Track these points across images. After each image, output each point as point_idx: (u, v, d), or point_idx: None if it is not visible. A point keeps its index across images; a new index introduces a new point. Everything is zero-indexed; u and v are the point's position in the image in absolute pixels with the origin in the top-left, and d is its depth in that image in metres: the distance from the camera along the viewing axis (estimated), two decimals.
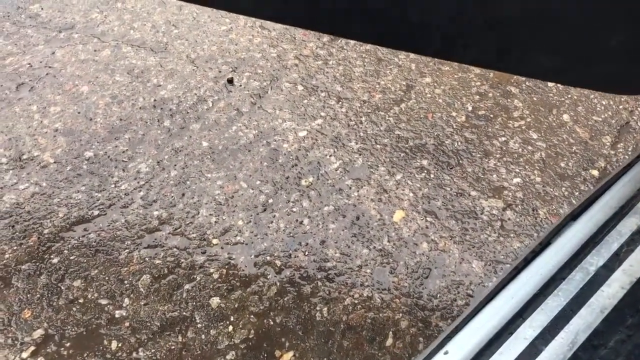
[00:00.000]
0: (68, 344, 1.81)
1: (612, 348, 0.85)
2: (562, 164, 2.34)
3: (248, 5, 0.95)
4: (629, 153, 2.40)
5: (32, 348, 1.80)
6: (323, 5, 0.87)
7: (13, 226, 2.09)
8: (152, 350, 1.79)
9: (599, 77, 0.84)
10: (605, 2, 0.73)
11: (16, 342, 1.81)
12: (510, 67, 0.92)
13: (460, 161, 2.34)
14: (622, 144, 2.42)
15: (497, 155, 2.35)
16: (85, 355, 1.78)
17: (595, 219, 1.03)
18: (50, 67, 2.66)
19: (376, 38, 0.97)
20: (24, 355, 1.78)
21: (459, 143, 2.40)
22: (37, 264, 1.99)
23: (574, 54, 0.80)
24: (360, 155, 2.35)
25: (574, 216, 1.04)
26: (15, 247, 2.03)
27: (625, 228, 1.01)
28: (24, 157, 2.30)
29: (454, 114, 2.52)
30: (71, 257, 2.01)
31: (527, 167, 2.32)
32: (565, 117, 2.53)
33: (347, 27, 0.93)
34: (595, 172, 2.31)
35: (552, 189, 2.25)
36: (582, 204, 1.06)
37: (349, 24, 0.91)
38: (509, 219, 2.14)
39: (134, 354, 1.79)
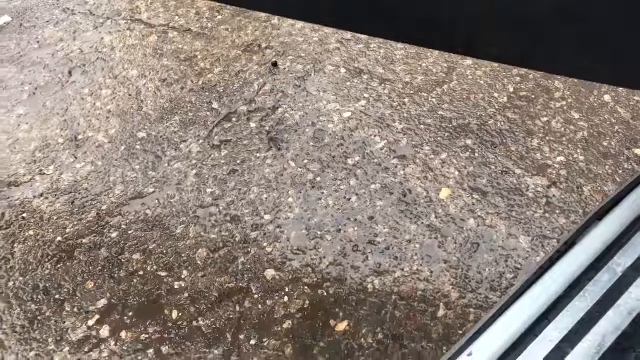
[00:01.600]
0: (130, 313, 1.89)
1: None
2: (605, 143, 2.36)
3: (270, 4, 0.96)
4: None
5: (97, 317, 1.88)
6: (350, 5, 0.89)
7: (72, 202, 2.17)
8: (212, 320, 1.86)
9: (626, 74, 0.83)
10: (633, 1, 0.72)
11: (82, 310, 1.89)
12: (534, 65, 0.93)
13: (504, 140, 2.37)
14: None
15: (540, 135, 2.39)
16: (147, 323, 1.86)
17: (622, 219, 1.01)
18: (100, 52, 2.74)
19: (402, 36, 0.97)
20: (90, 323, 1.87)
21: (502, 123, 2.44)
22: (98, 238, 2.07)
23: (601, 51, 0.80)
24: (404, 135, 2.40)
25: (599, 216, 1.02)
26: (75, 222, 2.11)
27: None
28: (80, 137, 2.39)
29: (495, 95, 2.56)
30: (129, 232, 2.09)
31: (570, 146, 2.35)
32: (607, 97, 2.55)
33: (373, 26, 0.93)
34: (638, 151, 2.34)
35: (595, 167, 2.28)
36: (607, 203, 1.04)
37: (376, 23, 0.90)
38: (554, 196, 2.18)
39: (194, 323, 1.86)
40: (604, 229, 0.99)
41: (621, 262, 0.93)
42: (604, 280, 0.91)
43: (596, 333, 0.84)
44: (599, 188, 2.21)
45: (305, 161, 2.30)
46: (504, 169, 2.27)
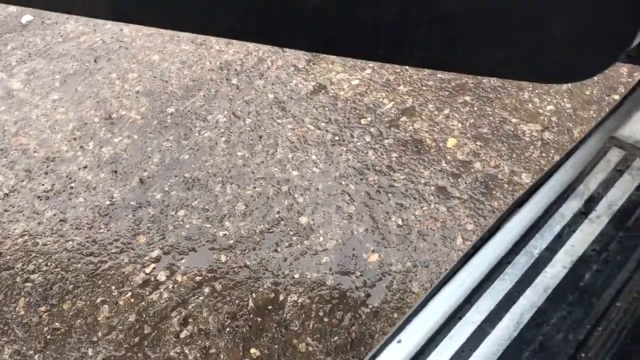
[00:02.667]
0: (183, 260, 2.09)
1: (554, 324, 0.90)
2: (587, 92, 2.65)
3: (192, 24, 0.95)
4: None
5: (153, 265, 2.08)
6: (272, 18, 0.88)
7: (115, 172, 2.37)
8: (258, 259, 2.08)
9: (538, 68, 0.85)
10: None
11: (138, 260, 2.09)
12: (456, 66, 0.93)
13: (499, 95, 2.64)
14: (636, 73, 2.73)
15: (530, 88, 2.66)
16: (200, 267, 2.07)
17: (540, 205, 1.08)
18: (121, 41, 2.96)
19: (323, 47, 0.98)
20: (147, 270, 2.07)
21: (495, 80, 2.71)
22: (143, 200, 2.28)
23: (515, 47, 0.82)
24: (409, 96, 2.65)
25: (520, 203, 1.08)
26: (121, 188, 2.32)
27: (568, 210, 1.07)
28: (114, 116, 2.59)
29: None
30: (172, 193, 2.30)
31: (557, 96, 2.63)
32: None
33: (292, 38, 0.93)
34: (616, 97, 2.62)
35: (581, 112, 2.55)
36: (527, 190, 1.11)
37: (294, 35, 0.91)
38: (547, 138, 2.45)
39: (241, 263, 2.07)
40: (524, 215, 1.06)
41: (537, 245, 1.01)
42: (521, 263, 0.99)
43: (514, 312, 0.92)
44: (586, 129, 2.48)
45: (323, 124, 2.54)
46: (502, 119, 2.53)
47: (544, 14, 0.78)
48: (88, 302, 1.98)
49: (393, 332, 0.92)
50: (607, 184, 1.12)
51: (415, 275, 2.02)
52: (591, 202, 1.09)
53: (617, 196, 1.10)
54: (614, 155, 1.18)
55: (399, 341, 0.91)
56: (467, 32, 0.83)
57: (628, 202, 1.08)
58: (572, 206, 1.08)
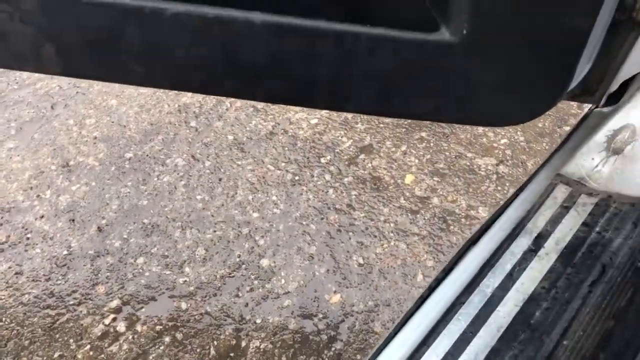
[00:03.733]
0: (143, 309, 2.06)
1: None
2: (540, 125, 2.73)
3: (143, 77, 0.96)
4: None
5: (112, 315, 2.05)
6: (214, 72, 0.91)
7: (73, 220, 2.34)
8: (219, 306, 2.06)
9: (473, 113, 0.87)
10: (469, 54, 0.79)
11: (97, 311, 2.06)
12: (391, 113, 0.95)
13: (454, 130, 2.70)
14: (586, 105, 2.82)
15: None
16: (160, 315, 2.04)
17: (492, 242, 1.08)
18: (78, 87, 2.94)
19: (264, 97, 1.01)
20: (106, 321, 2.03)
21: None
22: (102, 248, 2.24)
23: (446, 96, 0.84)
24: (367, 134, 2.69)
25: (473, 240, 1.09)
26: (78, 237, 2.28)
27: (518, 248, 1.07)
28: (71, 163, 2.56)
29: None
30: (130, 240, 2.27)
31: (510, 130, 2.70)
32: None
33: (242, 90, 0.95)
34: (567, 128, 2.70)
35: (534, 145, 2.62)
36: (480, 228, 1.12)
37: (243, 87, 0.93)
38: (502, 171, 2.50)
39: (202, 310, 2.05)
40: (477, 253, 1.06)
41: (490, 284, 1.01)
42: (475, 302, 0.98)
43: (469, 352, 0.91)
44: (539, 162, 2.55)
45: (283, 163, 2.56)
46: (457, 154, 2.58)
47: (473, 65, 0.80)
48: (45, 358, 1.94)
49: None
50: (554, 221, 1.14)
51: (377, 314, 2.02)
52: (540, 239, 1.10)
53: (564, 233, 1.11)
54: (561, 192, 1.20)
55: None
56: (397, 86, 0.85)
57: (575, 239, 1.10)
58: (521, 244, 1.09)
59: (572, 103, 2.83)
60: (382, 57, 0.82)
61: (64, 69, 0.99)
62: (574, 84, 0.80)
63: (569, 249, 1.09)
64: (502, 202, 2.36)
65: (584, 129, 1.37)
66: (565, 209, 1.17)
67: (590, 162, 1.25)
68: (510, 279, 1.03)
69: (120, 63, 0.95)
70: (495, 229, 1.12)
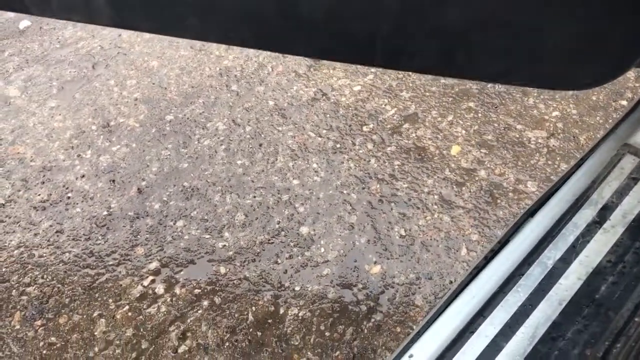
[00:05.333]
0: (181, 272, 2.05)
1: (569, 339, 0.87)
2: (594, 98, 2.60)
3: (195, 30, 0.94)
4: None
5: (151, 277, 2.04)
6: (269, 25, 0.88)
7: (113, 181, 2.33)
8: (258, 271, 2.03)
9: (543, 76, 0.84)
10: (549, 6, 0.75)
11: (135, 272, 2.05)
12: (457, 72, 0.93)
13: (503, 101, 2.59)
14: None
15: (535, 94, 2.61)
16: (199, 279, 2.02)
17: (552, 214, 1.05)
18: (119, 47, 2.92)
19: (320, 53, 0.97)
20: (145, 282, 2.03)
21: (500, 86, 2.66)
22: (141, 210, 2.23)
23: (517, 56, 0.81)
24: (412, 102, 2.61)
25: (531, 212, 1.06)
26: (118, 198, 2.28)
27: (581, 220, 1.04)
28: (112, 123, 2.55)
29: None
30: (170, 203, 2.25)
31: (562, 102, 2.58)
32: None
33: (295, 45, 0.92)
34: (623, 102, 2.57)
35: (588, 118, 2.50)
36: (539, 199, 1.09)
37: (297, 42, 0.90)
38: (553, 145, 2.40)
39: (240, 275, 2.03)
40: (536, 225, 1.04)
41: (551, 255, 0.99)
42: (535, 274, 0.96)
43: (529, 325, 0.89)
44: (592, 136, 2.43)
45: (324, 131, 2.50)
46: (506, 125, 2.48)
47: (548, 23, 0.76)
48: (85, 316, 1.94)
49: (404, 346, 0.90)
50: (621, 193, 1.09)
51: (419, 287, 1.97)
52: (605, 211, 1.06)
53: (632, 205, 1.07)
54: (628, 163, 1.15)
55: (411, 356, 0.89)
56: (465, 43, 0.81)
57: None
58: (585, 215, 1.05)
59: (628, 75, 2.69)
60: (451, 11, 0.77)
61: (114, 19, 0.95)
62: None
63: (637, 222, 1.04)
64: (552, 177, 2.27)
65: None
66: (633, 180, 1.12)
67: None
68: (573, 251, 0.99)
69: (173, 14, 0.92)
70: (556, 199, 1.09)
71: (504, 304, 0.93)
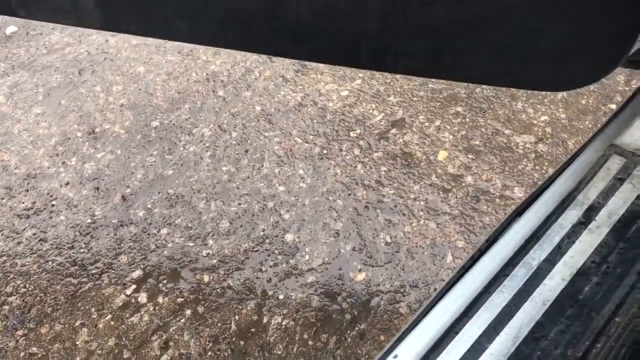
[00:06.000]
0: (164, 281, 2.03)
1: (552, 339, 0.87)
2: (583, 102, 2.58)
3: (183, 32, 0.94)
4: None
5: (134, 286, 2.03)
6: (255, 27, 0.88)
7: (98, 188, 2.32)
8: (242, 280, 2.02)
9: (529, 77, 0.84)
10: (533, 7, 0.75)
11: (118, 281, 2.04)
12: (443, 74, 0.92)
13: (491, 105, 2.58)
14: (634, 81, 2.66)
15: (523, 98, 2.60)
16: (182, 288, 2.01)
17: (539, 214, 1.05)
18: (106, 52, 2.90)
19: (307, 54, 0.97)
20: (128, 291, 2.01)
21: (488, 90, 2.64)
22: (126, 218, 2.22)
23: (503, 57, 0.81)
24: (400, 107, 2.59)
25: (519, 212, 1.06)
26: (102, 206, 2.26)
27: (567, 221, 1.04)
28: (97, 130, 2.53)
29: None
30: (154, 210, 2.24)
31: (551, 106, 2.56)
32: None
33: (281, 46, 0.92)
34: (613, 106, 2.55)
35: (576, 123, 2.49)
36: (527, 199, 1.09)
37: (283, 43, 0.90)
38: (541, 150, 2.38)
39: (224, 284, 2.02)
40: (522, 225, 1.04)
41: (536, 256, 0.99)
42: (520, 275, 0.96)
43: (513, 326, 0.89)
44: (581, 140, 2.42)
45: (311, 136, 2.48)
46: (494, 130, 2.47)
47: (534, 24, 0.76)
48: (67, 326, 1.93)
49: (389, 347, 0.90)
50: (607, 193, 1.09)
51: (404, 295, 1.95)
52: (591, 212, 1.06)
53: (617, 205, 1.07)
54: (615, 163, 1.15)
55: (395, 356, 0.88)
56: (452, 44, 0.81)
57: (629, 212, 1.05)
58: (571, 216, 1.05)
59: (618, 79, 2.67)
60: (437, 11, 0.77)
61: (102, 22, 0.95)
62: (634, 48, 0.73)
63: (622, 222, 1.03)
64: (539, 183, 2.25)
65: None
66: (619, 181, 1.11)
67: None
68: (558, 252, 1.00)
69: (161, 16, 0.92)
70: (542, 200, 1.08)
71: (488, 304, 0.93)
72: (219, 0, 0.87)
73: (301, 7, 0.83)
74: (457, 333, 0.90)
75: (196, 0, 0.88)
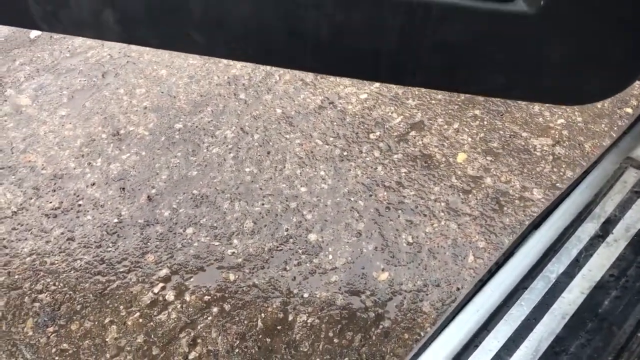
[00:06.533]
0: (191, 279, 2.07)
1: (572, 353, 0.88)
2: (599, 105, 2.62)
3: (203, 46, 0.97)
4: None
5: (161, 284, 2.07)
6: (274, 41, 0.90)
7: (123, 189, 2.36)
8: (267, 278, 2.06)
9: (544, 91, 0.85)
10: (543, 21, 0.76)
11: (146, 279, 2.08)
12: (460, 87, 0.94)
13: (509, 108, 2.62)
14: None
15: None
16: (208, 286, 2.05)
17: (556, 227, 1.06)
18: (128, 56, 2.95)
19: (326, 68, 0.99)
20: (155, 289, 2.05)
21: None
22: (152, 217, 2.26)
23: (518, 71, 0.82)
24: (418, 110, 2.63)
25: (535, 225, 1.07)
26: (129, 206, 2.30)
27: (584, 234, 1.05)
28: (121, 132, 2.58)
29: None
30: (180, 210, 2.28)
31: (568, 109, 2.60)
32: None
33: (300, 60, 0.94)
34: (629, 110, 2.59)
35: (593, 126, 2.52)
36: (543, 212, 1.09)
37: (301, 58, 0.91)
38: (559, 152, 2.42)
39: (249, 282, 2.06)
40: (539, 238, 1.05)
41: (554, 269, 1.00)
42: (539, 288, 0.97)
43: (532, 339, 0.90)
44: (598, 143, 2.45)
45: (331, 138, 2.52)
46: (512, 133, 2.50)
47: (549, 39, 0.77)
48: (96, 323, 1.97)
49: (409, 358, 0.91)
50: (624, 206, 1.10)
51: (426, 294, 1.99)
52: (608, 225, 1.07)
53: (634, 219, 1.07)
54: (631, 176, 1.16)
55: None
56: (467, 59, 0.83)
57: None
58: (588, 229, 1.06)
59: (634, 84, 2.70)
60: (453, 28, 0.79)
61: (122, 36, 0.98)
62: None
63: (639, 236, 1.04)
64: (558, 185, 2.28)
65: None
66: (636, 194, 1.13)
67: None
68: (576, 265, 1.00)
69: (180, 31, 0.94)
70: (559, 213, 1.09)
71: (507, 317, 0.93)
72: (238, 15, 0.88)
73: (320, 22, 0.84)
74: (477, 346, 0.91)
75: (216, 15, 0.89)
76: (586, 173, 1.17)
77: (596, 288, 0.96)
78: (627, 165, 1.18)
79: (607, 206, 1.10)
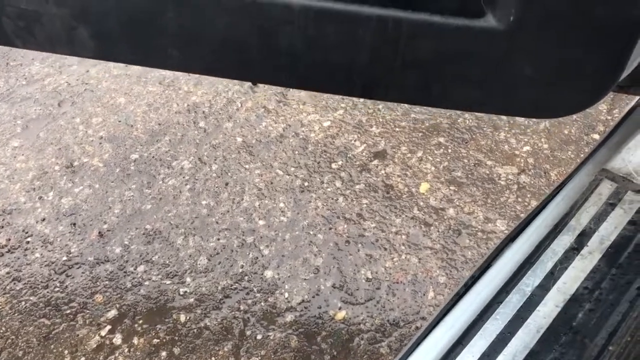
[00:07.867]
0: (140, 320, 1.99)
1: None
2: (566, 131, 2.57)
3: (179, 61, 0.95)
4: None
5: (109, 326, 1.98)
6: (247, 56, 0.90)
7: (74, 224, 2.28)
8: (219, 319, 1.97)
9: (519, 105, 0.85)
10: (523, 34, 0.76)
11: (93, 321, 1.99)
12: (435, 103, 0.94)
13: (474, 136, 2.56)
14: (616, 110, 2.66)
15: (506, 128, 2.58)
16: (157, 328, 1.96)
17: (532, 240, 1.05)
18: (86, 83, 2.87)
19: (300, 83, 0.98)
20: (102, 332, 1.96)
21: (470, 120, 2.63)
22: (102, 255, 2.18)
23: (492, 86, 0.82)
24: (382, 138, 2.57)
25: (512, 238, 1.06)
26: (79, 242, 2.22)
27: (559, 246, 1.04)
28: (75, 164, 2.50)
29: None
30: (131, 247, 2.20)
31: (534, 136, 2.55)
32: None
33: (271, 75, 0.94)
34: (595, 136, 2.54)
35: (559, 153, 2.47)
36: (519, 225, 1.09)
37: (273, 72, 0.92)
38: (524, 181, 2.36)
39: (201, 323, 1.97)
40: (516, 250, 1.04)
41: (530, 282, 0.99)
42: (514, 301, 0.96)
43: (507, 353, 0.89)
44: (564, 171, 2.40)
45: (292, 168, 2.45)
46: (476, 161, 2.45)
47: (520, 54, 0.77)
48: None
49: None
50: (599, 218, 1.10)
51: (384, 335, 1.92)
52: (583, 237, 1.07)
53: (609, 231, 1.08)
54: (606, 188, 1.16)
55: None
56: (440, 75, 0.83)
57: (620, 237, 1.06)
58: (563, 241, 1.06)
59: (600, 108, 2.66)
60: (424, 44, 0.79)
61: (97, 52, 0.96)
62: (624, 74, 0.75)
63: (614, 248, 1.05)
64: (522, 215, 2.22)
65: (631, 122, 1.31)
66: (610, 206, 1.13)
67: (638, 157, 1.21)
68: (551, 278, 1.00)
69: (155, 46, 0.94)
70: (535, 225, 1.09)
71: (482, 332, 0.93)
72: (214, 30, 0.88)
73: (294, 38, 0.85)
74: None
75: (192, 30, 0.89)
76: (562, 185, 1.17)
77: (571, 301, 0.96)
78: (602, 177, 1.18)
79: (583, 218, 1.10)
